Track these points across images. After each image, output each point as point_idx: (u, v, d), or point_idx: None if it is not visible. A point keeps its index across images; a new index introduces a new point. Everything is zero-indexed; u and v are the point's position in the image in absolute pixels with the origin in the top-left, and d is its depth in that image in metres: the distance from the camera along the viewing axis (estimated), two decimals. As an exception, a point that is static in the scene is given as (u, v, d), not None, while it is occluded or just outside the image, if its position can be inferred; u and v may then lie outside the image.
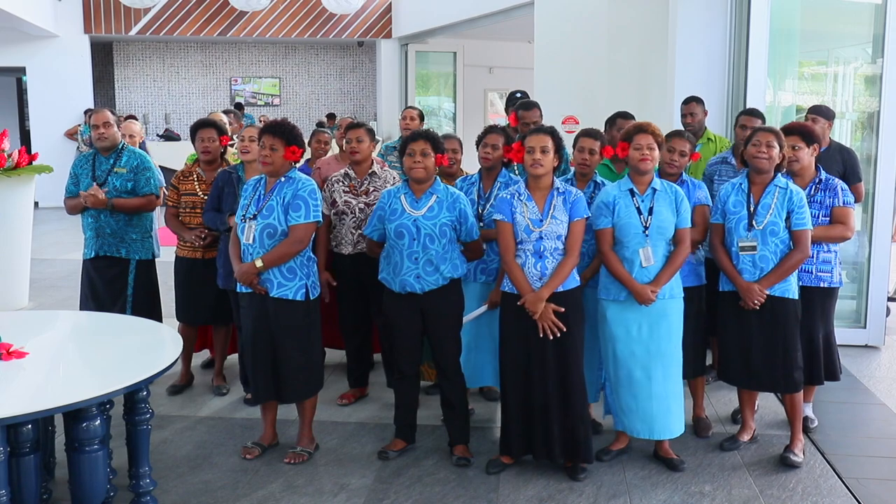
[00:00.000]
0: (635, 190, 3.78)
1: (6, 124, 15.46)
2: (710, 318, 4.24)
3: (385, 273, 3.91)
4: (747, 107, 5.95)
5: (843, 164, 4.93)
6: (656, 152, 3.74)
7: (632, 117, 5.20)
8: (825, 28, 6.91)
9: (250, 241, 3.75)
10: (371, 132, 4.57)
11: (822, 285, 4.13)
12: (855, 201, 5.11)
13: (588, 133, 4.12)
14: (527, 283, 3.64)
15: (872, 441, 4.37)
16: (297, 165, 3.97)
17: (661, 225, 3.73)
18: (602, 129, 5.81)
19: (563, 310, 3.62)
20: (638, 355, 3.79)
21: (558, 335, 3.62)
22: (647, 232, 3.72)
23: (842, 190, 4.11)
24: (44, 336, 3.71)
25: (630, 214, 3.74)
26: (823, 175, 4.14)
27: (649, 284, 3.71)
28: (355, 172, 4.53)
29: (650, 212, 3.73)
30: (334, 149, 5.59)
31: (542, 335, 3.63)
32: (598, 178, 4.19)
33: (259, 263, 3.72)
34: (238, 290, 3.90)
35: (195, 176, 4.68)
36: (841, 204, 4.08)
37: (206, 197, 4.60)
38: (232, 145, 5.44)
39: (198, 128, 4.70)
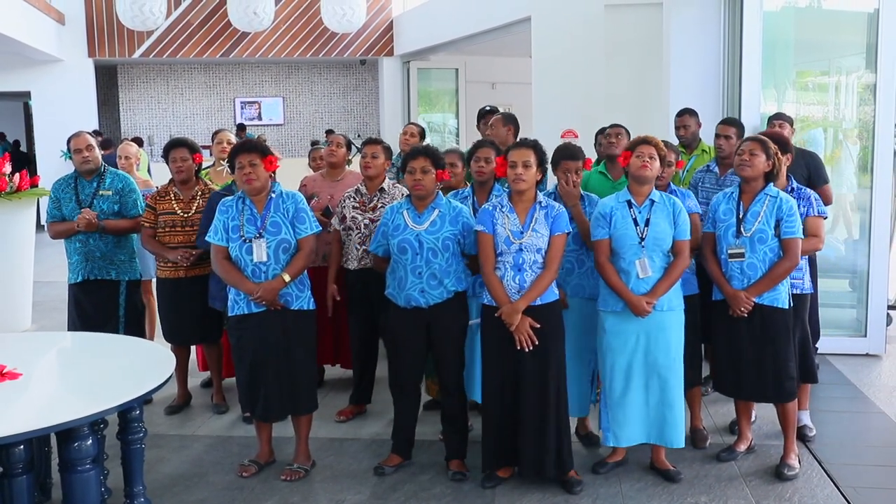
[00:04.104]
0: (633, 201, 3.79)
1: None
2: (706, 328, 4.24)
3: (391, 288, 3.93)
4: (742, 118, 5.99)
5: (806, 169, 4.97)
6: (657, 163, 3.76)
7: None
8: (822, 38, 6.91)
9: (263, 259, 3.75)
10: (387, 150, 4.62)
11: (794, 292, 4.10)
12: (825, 204, 5.15)
13: (570, 155, 4.09)
14: (504, 295, 3.66)
15: (871, 450, 4.35)
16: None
17: (658, 236, 3.74)
18: (595, 143, 5.84)
19: (538, 325, 3.64)
20: (635, 367, 3.78)
21: (531, 348, 3.63)
22: (643, 243, 3.73)
23: (815, 200, 4.11)
24: (39, 357, 3.74)
25: (626, 225, 3.75)
26: (794, 184, 4.15)
27: (645, 296, 3.72)
28: (367, 188, 4.58)
29: (647, 223, 3.75)
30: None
31: (518, 347, 3.65)
32: (582, 191, 4.19)
33: (287, 278, 3.75)
34: (244, 311, 3.83)
35: (172, 195, 4.69)
36: (815, 214, 4.07)
37: (185, 215, 4.64)
38: (210, 166, 5.47)
39: (170, 148, 4.72)
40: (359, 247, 4.51)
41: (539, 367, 3.68)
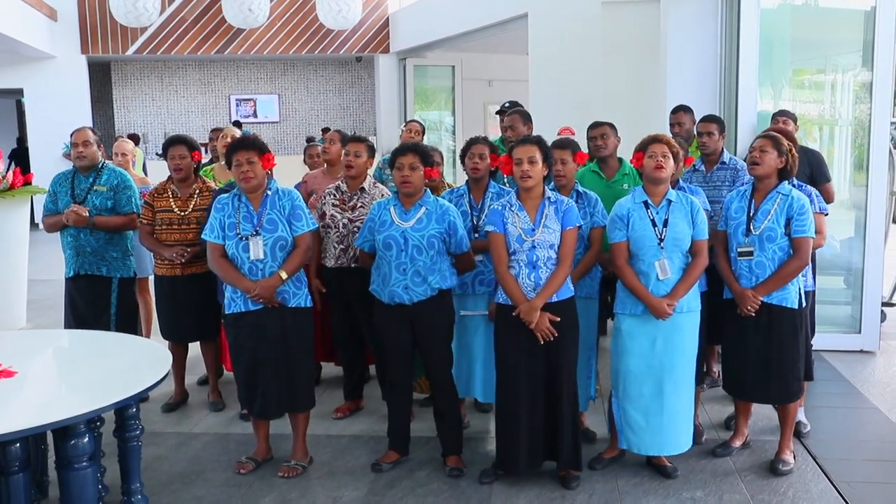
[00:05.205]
0: (650, 202, 3.76)
1: (6, 146, 15.56)
2: (710, 326, 4.23)
3: (375, 284, 3.93)
4: (739, 116, 6.01)
5: (808, 167, 4.98)
6: (671, 161, 3.74)
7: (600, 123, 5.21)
8: (819, 36, 6.93)
9: (260, 257, 3.75)
10: (371, 148, 4.59)
11: None
12: (826, 202, 5.18)
13: (557, 144, 4.13)
14: (521, 293, 3.64)
15: (864, 445, 4.38)
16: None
17: (677, 237, 3.71)
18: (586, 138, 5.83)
19: (558, 319, 3.62)
20: (651, 370, 3.76)
21: (551, 339, 3.62)
22: (662, 244, 3.70)
23: (816, 196, 4.12)
24: (35, 355, 3.73)
25: (644, 227, 3.72)
26: (795, 182, 4.14)
27: (666, 297, 3.70)
28: (348, 186, 4.56)
29: (665, 224, 3.72)
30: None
31: (542, 342, 3.62)
32: (580, 188, 4.20)
33: (284, 275, 3.75)
34: (241, 309, 3.83)
35: (170, 193, 4.68)
36: (816, 210, 4.07)
37: (182, 213, 4.63)
38: (212, 161, 5.46)
39: (169, 145, 4.70)
40: (336, 245, 4.49)
41: (555, 363, 3.67)
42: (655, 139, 3.77)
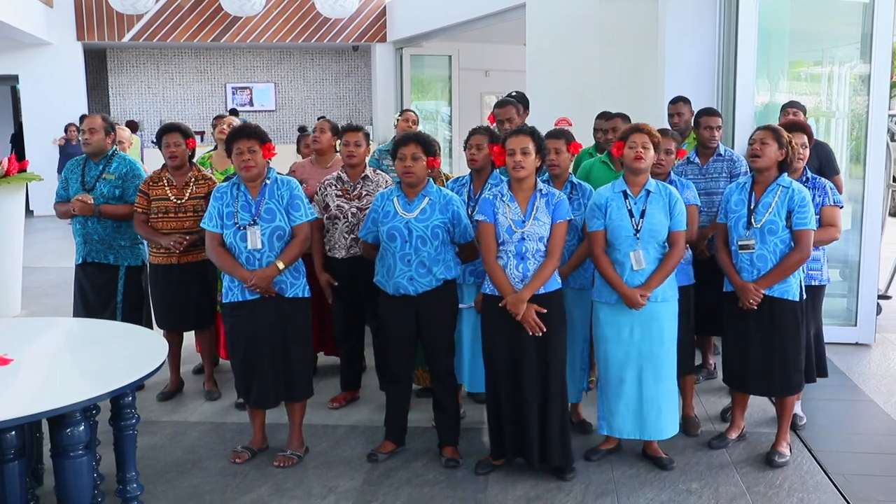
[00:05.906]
0: (629, 192, 3.75)
1: (2, 132, 15.50)
2: (702, 318, 4.23)
3: (379, 276, 3.92)
4: (737, 108, 6.00)
5: (818, 160, 4.97)
6: (651, 152, 3.72)
7: (610, 115, 5.19)
8: (817, 28, 6.92)
9: (258, 247, 3.74)
10: (367, 136, 4.58)
11: (812, 283, 4.14)
12: None
13: (551, 133, 4.11)
14: (508, 284, 3.63)
15: (859, 437, 4.39)
16: None
17: (653, 228, 3.71)
18: (593, 129, 5.81)
19: (545, 310, 3.62)
20: (629, 358, 3.78)
21: (540, 335, 3.63)
22: (637, 235, 3.70)
23: (830, 189, 4.10)
24: (30, 343, 3.71)
25: (621, 217, 3.72)
26: (809, 174, 4.14)
27: (639, 288, 3.70)
28: (349, 176, 4.53)
29: (642, 214, 3.71)
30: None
31: (530, 334, 3.62)
32: (574, 179, 4.19)
33: (281, 265, 3.74)
34: (238, 298, 3.82)
35: (165, 181, 4.65)
36: (831, 203, 4.06)
37: (178, 201, 4.60)
38: (216, 148, 5.43)
39: (163, 133, 4.67)
40: (346, 235, 4.47)
41: (542, 355, 3.67)
42: (636, 129, 3.75)
